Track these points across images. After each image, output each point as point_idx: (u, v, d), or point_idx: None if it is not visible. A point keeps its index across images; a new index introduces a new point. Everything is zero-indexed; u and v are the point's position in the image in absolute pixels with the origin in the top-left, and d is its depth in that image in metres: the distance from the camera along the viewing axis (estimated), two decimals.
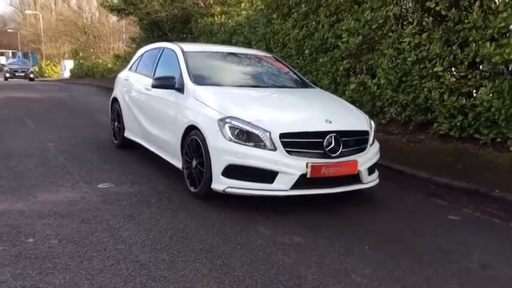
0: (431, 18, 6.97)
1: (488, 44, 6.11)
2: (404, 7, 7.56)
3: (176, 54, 5.48)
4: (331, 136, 4.19)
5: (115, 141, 6.84)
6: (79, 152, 6.63)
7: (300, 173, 4.06)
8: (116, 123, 6.76)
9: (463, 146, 6.64)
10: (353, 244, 3.64)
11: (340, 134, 4.24)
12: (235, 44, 12.56)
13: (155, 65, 5.88)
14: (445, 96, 6.76)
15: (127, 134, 6.43)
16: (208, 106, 4.52)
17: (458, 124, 6.71)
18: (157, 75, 5.30)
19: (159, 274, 3.06)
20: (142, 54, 6.60)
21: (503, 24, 5.99)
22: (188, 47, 5.73)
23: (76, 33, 35.47)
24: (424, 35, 7.02)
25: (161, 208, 4.36)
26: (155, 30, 17.09)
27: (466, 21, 6.45)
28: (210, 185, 4.32)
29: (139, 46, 19.91)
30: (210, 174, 4.30)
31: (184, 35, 15.86)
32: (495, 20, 6.10)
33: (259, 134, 4.10)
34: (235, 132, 4.16)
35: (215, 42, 13.87)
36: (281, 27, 10.31)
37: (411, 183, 5.52)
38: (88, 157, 6.32)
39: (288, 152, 4.08)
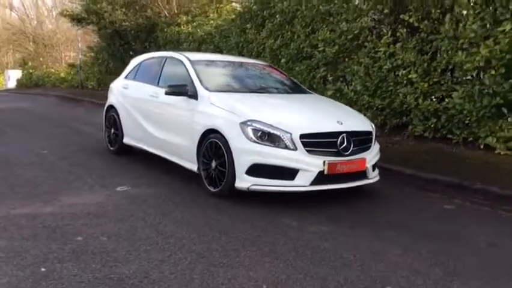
0: (405, 30, 7.60)
1: (460, 52, 6.79)
2: (378, 19, 8.15)
3: (183, 63, 5.79)
4: (343, 136, 4.65)
5: (111, 148, 7.02)
6: (77, 158, 6.77)
7: (318, 170, 4.49)
8: (112, 130, 6.95)
9: (437, 145, 7.28)
10: (374, 231, 4.09)
11: (350, 134, 4.71)
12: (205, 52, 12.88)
13: (159, 74, 6.15)
14: (420, 101, 7.40)
15: (126, 140, 6.64)
16: (226, 111, 4.87)
17: (432, 126, 7.35)
18: (169, 83, 5.56)
19: (217, 261, 3.38)
20: (140, 63, 6.85)
21: (473, 34, 6.68)
22: (193, 56, 6.06)
23: (24, 42, 34.52)
24: (398, 45, 7.65)
25: (188, 206, 4.66)
26: (117, 39, 17.11)
27: (437, 32, 7.11)
28: (233, 183, 4.65)
29: (97, 55, 19.89)
30: (233, 174, 4.64)
31: (149, 44, 15.99)
32: (465, 31, 6.79)
33: (281, 135, 4.50)
34: (258, 134, 4.54)
35: (183, 51, 14.13)
36: (255, 37, 10.74)
37: (401, 179, 6.05)
38: (90, 163, 6.48)
39: (307, 151, 4.49)
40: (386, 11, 7.89)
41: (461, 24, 6.87)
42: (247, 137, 4.56)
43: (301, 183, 4.49)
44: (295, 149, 4.49)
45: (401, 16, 7.59)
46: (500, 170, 6.01)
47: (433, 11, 7.21)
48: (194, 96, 5.32)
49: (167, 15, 15.28)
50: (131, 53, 17.12)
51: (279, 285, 3.04)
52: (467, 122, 6.89)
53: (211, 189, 4.95)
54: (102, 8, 15.42)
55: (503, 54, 6.30)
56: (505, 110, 6.59)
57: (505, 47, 6.26)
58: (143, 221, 4.23)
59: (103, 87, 19.57)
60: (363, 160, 4.77)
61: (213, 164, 4.91)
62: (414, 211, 4.78)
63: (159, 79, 6.12)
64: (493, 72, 6.48)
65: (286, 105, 5.37)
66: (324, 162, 4.50)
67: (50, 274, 3.12)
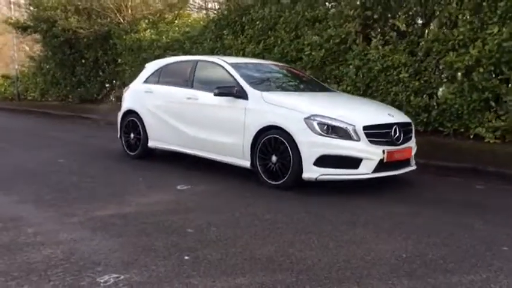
0: (395, 33, 8.32)
1: (450, 53, 7.59)
2: (366, 23, 8.82)
3: (222, 66, 6.07)
4: (395, 127, 5.18)
5: (132, 153, 7.08)
6: (103, 164, 6.82)
7: (379, 159, 4.98)
8: (132, 135, 7.03)
9: (430, 138, 8.03)
10: (434, 210, 4.67)
11: (400, 125, 5.26)
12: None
13: (191, 77, 6.37)
14: (411, 98, 8.13)
15: (152, 143, 6.77)
16: (286, 108, 5.24)
17: (424, 120, 8.11)
18: (208, 85, 5.87)
19: (344, 238, 3.77)
20: (161, 68, 7.00)
21: (461, 37, 7.51)
22: (229, 59, 6.35)
23: None
24: (388, 48, 8.35)
25: (263, 198, 4.98)
26: (66, 48, 16.65)
27: (426, 35, 7.89)
28: (299, 175, 5.02)
29: (41, 65, 19.12)
30: (299, 166, 5.01)
31: (104, 52, 15.75)
32: (451, 34, 7.62)
33: (345, 127, 4.95)
34: (324, 127, 4.95)
35: (145, 59, 14.14)
36: (233, 43, 11.06)
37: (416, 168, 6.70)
38: (121, 167, 6.56)
39: (370, 141, 4.97)
40: (375, 16, 8.56)
41: (444, 28, 7.66)
42: (313, 131, 4.95)
43: (365, 171, 4.95)
44: (358, 139, 4.94)
45: (391, 21, 8.29)
46: (498, 155, 6.82)
47: (421, 16, 7.97)
48: (243, 96, 5.61)
49: (123, 21, 15.16)
50: (83, 61, 16.77)
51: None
52: (459, 114, 7.67)
53: (272, 182, 5.27)
54: (55, 15, 14.98)
55: (492, 53, 7.14)
56: (492, 103, 7.45)
57: (494, 47, 7.10)
58: (238, 212, 4.50)
59: (47, 99, 18.94)
60: (410, 149, 5.33)
61: (273, 158, 5.23)
62: (451, 192, 5.42)
63: (193, 82, 6.31)
64: (481, 70, 7.31)
65: (335, 101, 5.82)
66: (383, 151, 4.99)
67: (199, 261, 3.33)
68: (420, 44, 8.03)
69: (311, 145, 4.96)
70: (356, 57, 8.80)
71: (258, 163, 5.41)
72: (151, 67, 7.24)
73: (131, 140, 7.08)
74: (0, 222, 4.19)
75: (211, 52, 11.78)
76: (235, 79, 5.82)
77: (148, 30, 14.48)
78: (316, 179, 4.98)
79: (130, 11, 15.38)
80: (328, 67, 9.35)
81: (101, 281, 3.07)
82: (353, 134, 4.96)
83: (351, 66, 8.84)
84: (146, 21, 14.77)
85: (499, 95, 7.36)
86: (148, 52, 14.02)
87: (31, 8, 16.15)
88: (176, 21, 14.03)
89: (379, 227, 4.08)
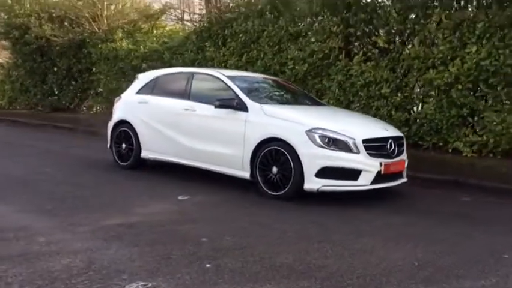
0: (377, 50, 8.67)
1: (431, 70, 7.97)
2: (350, 39, 9.14)
3: (220, 79, 6.22)
4: (391, 141, 5.43)
5: (123, 163, 7.09)
6: (92, 174, 6.81)
7: (376, 171, 5.21)
8: (124, 145, 7.05)
9: (410, 151, 8.32)
10: (428, 221, 4.93)
11: (394, 139, 5.51)
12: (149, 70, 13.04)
13: (188, 89, 6.47)
14: (392, 112, 8.47)
15: (146, 154, 6.81)
16: (287, 120, 5.42)
17: (405, 134, 8.42)
18: (218, 98, 5.93)
19: (355, 247, 3.95)
20: (155, 79, 7.07)
21: (441, 55, 7.90)
22: (226, 72, 6.49)
23: None
24: (370, 64, 8.68)
25: (265, 209, 5.12)
26: (38, 55, 16.38)
27: (407, 52, 8.26)
28: (300, 186, 5.19)
29: (9, 73, 18.69)
30: (300, 177, 5.18)
31: (78, 61, 15.58)
32: (431, 52, 8.01)
33: (346, 140, 5.16)
34: (325, 140, 5.15)
35: (121, 68, 14.14)
36: (215, 55, 11.21)
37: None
38: (112, 177, 6.59)
39: (368, 154, 5.20)
40: (358, 33, 8.89)
41: (424, 47, 8.06)
42: (315, 143, 5.14)
43: (363, 182, 5.17)
44: (358, 152, 5.16)
45: (373, 38, 8.64)
46: (476, 168, 7.20)
47: (402, 34, 8.35)
48: (242, 108, 5.75)
49: (98, 31, 15.07)
50: (55, 69, 16.52)
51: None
52: (438, 129, 8.04)
53: (272, 192, 5.42)
54: (28, 23, 14.75)
55: (470, 71, 7.55)
56: (470, 119, 7.86)
57: (472, 65, 7.52)
58: (245, 222, 4.61)
59: (15, 107, 18.51)
60: (404, 161, 5.59)
61: (274, 169, 5.39)
62: (436, 203, 5.72)
63: (189, 94, 6.42)
64: (459, 87, 7.71)
65: (333, 115, 6.05)
66: (380, 163, 5.23)
67: (221, 269, 3.43)
68: (401, 61, 8.37)
69: (313, 157, 5.14)
70: (339, 72, 9.09)
71: (258, 174, 5.54)
72: (143, 78, 7.29)
73: (122, 150, 7.10)
74: (10, 231, 4.15)
75: (192, 64, 11.87)
76: (234, 92, 5.96)
77: (124, 40, 14.43)
78: (317, 190, 5.16)
79: (105, 20, 15.29)
80: (311, 81, 9.61)
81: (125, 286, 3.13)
82: (352, 146, 5.17)
83: (334, 81, 9.11)
84: (122, 30, 14.71)
85: (476, 111, 7.76)
86: (125, 62, 13.98)
87: (2, 15, 15.82)
88: (154, 32, 14.02)
89: (384, 237, 4.28)
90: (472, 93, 7.78)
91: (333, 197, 5.42)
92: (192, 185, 6.15)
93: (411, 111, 8.54)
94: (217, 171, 6.02)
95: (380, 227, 4.58)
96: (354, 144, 5.17)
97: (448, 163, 7.56)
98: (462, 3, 7.91)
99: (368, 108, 8.80)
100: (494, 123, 7.42)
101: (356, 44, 9.11)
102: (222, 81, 6.18)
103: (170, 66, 12.15)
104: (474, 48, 7.53)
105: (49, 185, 6.07)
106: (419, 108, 8.47)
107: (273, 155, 5.40)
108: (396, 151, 5.49)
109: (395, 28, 8.47)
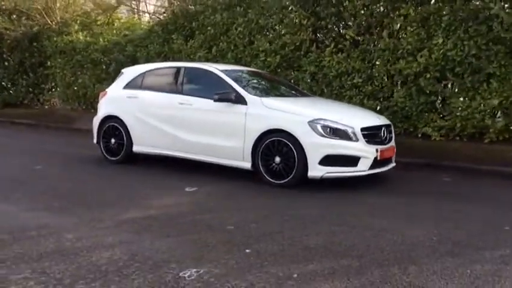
0: (348, 42, 9.08)
1: (401, 61, 8.48)
2: (321, 31, 9.50)
3: (214, 73, 6.41)
4: (384, 128, 5.83)
5: (112, 158, 7.15)
6: (85, 169, 6.86)
7: (373, 157, 5.60)
8: (113, 140, 7.09)
9: None
10: (425, 200, 5.39)
11: (386, 127, 5.92)
12: (110, 62, 12.94)
13: (180, 83, 6.61)
14: (365, 101, 8.93)
15: (138, 148, 6.90)
16: (288, 112, 5.71)
17: None
18: (217, 91, 6.10)
19: (375, 227, 4.30)
20: (142, 74, 7.13)
21: (409, 47, 8.42)
22: (217, 66, 6.69)
23: None
24: (342, 55, 9.09)
25: (275, 197, 5.39)
26: None
27: (377, 44, 8.73)
28: (304, 174, 5.50)
29: None
30: (304, 166, 5.49)
31: (31, 54, 15.08)
32: (400, 43, 8.52)
33: (346, 129, 5.51)
34: (327, 130, 5.48)
35: (78, 61, 13.89)
36: (183, 47, 11.26)
37: None
38: (106, 172, 6.68)
39: (366, 141, 5.58)
40: (329, 26, 9.27)
41: (393, 39, 8.56)
42: (317, 133, 5.46)
43: (362, 168, 5.55)
44: (357, 140, 5.53)
45: (343, 31, 9.04)
46: (446, 151, 7.78)
47: (370, 27, 8.81)
48: (240, 101, 5.97)
49: (51, 23, 14.66)
50: (6, 63, 15.92)
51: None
52: (408, 115, 8.58)
53: (275, 181, 5.71)
54: None
55: (438, 61, 8.11)
56: (437, 105, 8.45)
57: (439, 56, 8.07)
58: (261, 210, 4.87)
59: None
60: (394, 147, 6.01)
61: (277, 159, 5.66)
62: (419, 184, 6.20)
63: (182, 88, 6.55)
64: (427, 76, 8.26)
65: (328, 106, 6.38)
66: (376, 150, 5.62)
67: (262, 253, 3.68)
68: (372, 52, 8.82)
69: (316, 146, 5.45)
70: (311, 63, 9.43)
71: (260, 164, 5.79)
72: (130, 73, 7.33)
73: (111, 145, 7.13)
74: (31, 230, 4.15)
75: (158, 56, 11.86)
76: (230, 85, 6.16)
77: (81, 33, 14.14)
78: (321, 177, 5.48)
79: (58, 12, 14.88)
80: (283, 72, 9.90)
81: (185, 275, 3.29)
82: (352, 135, 5.53)
83: (306, 72, 9.45)
84: (78, 23, 14.39)
85: (444, 98, 8.35)
86: (82, 55, 13.71)
87: None
88: (115, 24, 13.83)
89: (395, 217, 4.68)
90: (439, 81, 8.31)
91: (330, 183, 5.75)
92: (192, 177, 6.32)
93: (381, 100, 9.00)
94: (217, 163, 6.22)
95: (387, 208, 4.97)
96: (353, 132, 5.52)
97: (420, 147, 8.11)
98: None
99: (340, 98, 9.20)
100: (460, 108, 8.01)
101: (327, 36, 9.44)
102: (217, 75, 6.36)
103: (134, 59, 12.13)
104: (440, 40, 8.07)
105: (47, 182, 6.06)
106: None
107: (276, 146, 5.66)
108: (387, 138, 5.89)
109: (363, 22, 8.87)
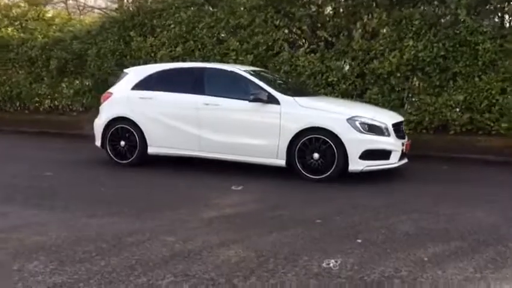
0: (322, 43, 9.61)
1: (374, 61, 9.19)
2: (294, 32, 9.91)
3: (240, 74, 6.61)
4: (403, 124, 6.41)
5: (122, 161, 6.99)
6: (100, 173, 6.64)
7: (401, 150, 6.15)
8: (123, 143, 6.94)
9: None
10: (453, 186, 6.08)
11: (404, 123, 6.51)
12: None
13: (201, 84, 6.65)
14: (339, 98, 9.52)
15: (154, 150, 6.82)
16: (326, 111, 6.07)
17: None
18: (252, 92, 6.26)
19: (441, 214, 4.82)
20: (152, 75, 7.05)
21: (381, 48, 9.16)
22: (241, 67, 6.85)
23: None
24: (316, 55, 9.59)
25: (325, 192, 5.70)
26: None
27: (351, 45, 9.36)
28: (343, 169, 5.90)
29: None
30: (344, 161, 5.88)
31: None
32: (372, 45, 9.23)
33: (381, 126, 6.00)
34: (365, 126, 5.92)
35: (12, 60, 12.99)
36: (143, 45, 11.04)
37: None
38: (129, 175, 6.52)
39: (396, 136, 6.12)
40: (304, 27, 9.72)
41: (365, 40, 9.26)
42: (356, 130, 5.88)
43: (394, 161, 6.09)
44: (389, 135, 6.05)
45: (318, 32, 9.56)
46: (418, 142, 8.55)
47: (346, 28, 9.42)
48: (272, 101, 6.20)
49: None
50: None
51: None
52: None
53: (313, 176, 6.04)
54: None
55: (409, 61, 8.94)
56: (405, 101, 9.29)
57: (411, 56, 8.90)
58: (331, 203, 5.19)
59: None
60: (409, 142, 6.60)
61: (315, 155, 6.00)
62: (436, 172, 6.87)
63: (204, 89, 6.60)
64: (398, 74, 9.07)
65: (354, 104, 6.84)
66: (402, 143, 6.18)
67: (370, 242, 3.97)
68: (346, 53, 9.42)
69: (356, 142, 5.86)
70: (285, 63, 9.79)
71: (297, 161, 6.06)
72: (136, 73, 7.17)
73: (120, 148, 6.94)
74: (125, 236, 4.07)
75: (112, 54, 11.49)
76: (259, 86, 6.35)
77: (11, 28, 13.17)
78: (361, 170, 5.91)
79: None
80: None
81: (329, 265, 3.49)
82: (385, 131, 6.02)
83: (281, 71, 9.80)
84: (7, 17, 13.37)
85: (411, 95, 9.21)
86: (17, 52, 12.79)
87: None
88: (56, 20, 13.06)
89: (453, 202, 5.23)
90: (408, 80, 9.13)
91: (354, 177, 6.17)
92: (225, 176, 6.42)
93: (354, 97, 9.64)
94: (247, 162, 6.37)
95: (435, 195, 5.55)
96: (386, 128, 6.03)
97: None
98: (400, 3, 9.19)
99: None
100: (429, 104, 8.89)
101: (301, 36, 9.86)
102: (242, 76, 6.54)
103: (84, 55, 11.61)
104: (411, 42, 8.88)
105: (79, 188, 5.85)
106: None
107: (313, 143, 5.97)
108: (405, 133, 6.48)
109: (339, 22, 9.44)
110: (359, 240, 4.07)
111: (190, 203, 5.17)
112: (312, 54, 9.62)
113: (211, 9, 10.40)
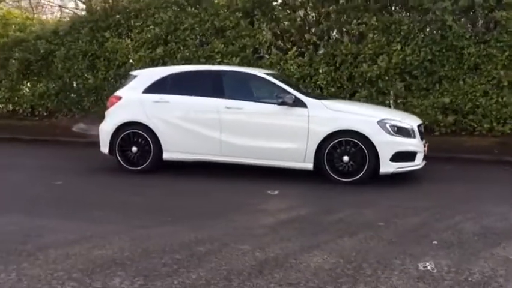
0: (311, 46, 9.67)
1: (364, 64, 9.38)
2: (284, 35, 9.90)
3: (262, 77, 6.50)
4: (422, 126, 6.58)
5: (134, 168, 6.62)
6: (113, 181, 6.29)
7: (423, 151, 6.30)
8: (135, 149, 6.61)
9: None
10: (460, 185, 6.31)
11: (422, 125, 6.68)
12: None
13: (220, 87, 6.45)
14: None
15: (169, 155, 6.53)
16: (355, 113, 6.10)
17: None
18: (280, 95, 6.14)
19: (476, 212, 5.00)
20: (167, 77, 6.78)
21: (371, 51, 9.37)
22: (261, 71, 6.71)
23: None
24: (305, 59, 9.65)
25: (366, 194, 5.69)
26: None
27: (340, 49, 9.50)
28: (374, 171, 5.96)
29: None
30: (375, 163, 5.94)
31: None
32: (360, 49, 9.43)
33: (408, 128, 6.11)
34: (394, 129, 6.01)
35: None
36: (119, 46, 10.59)
37: None
38: (153, 183, 6.22)
39: (421, 138, 6.26)
40: (292, 30, 9.74)
41: (354, 44, 9.44)
42: (387, 132, 5.95)
43: (418, 162, 6.20)
44: (414, 137, 6.16)
45: (306, 35, 9.63)
46: None
47: (335, 32, 9.56)
48: (299, 104, 6.14)
49: None
50: None
51: None
52: None
53: (344, 179, 6.03)
54: None
55: (398, 65, 9.21)
56: (391, 104, 9.56)
57: (399, 60, 9.18)
58: (378, 206, 5.22)
59: None
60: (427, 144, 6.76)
61: (345, 158, 6.01)
62: (444, 171, 7.10)
63: (224, 92, 6.43)
64: (386, 78, 9.33)
65: (372, 107, 6.87)
66: (424, 145, 6.33)
67: (448, 242, 4.06)
68: (336, 56, 9.55)
69: (387, 144, 5.92)
70: (273, 65, 9.77)
71: (326, 164, 6.04)
72: (147, 76, 6.83)
73: (132, 154, 6.60)
74: (197, 246, 3.89)
75: (84, 55, 10.96)
76: (284, 89, 6.25)
77: None
78: (392, 172, 5.98)
79: None
80: None
81: (428, 267, 3.48)
82: (411, 133, 6.13)
83: None
84: None
85: (400, 97, 9.49)
86: None
87: None
88: (17, 19, 12.22)
89: (489, 202, 5.36)
90: (396, 82, 9.40)
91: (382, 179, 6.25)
92: (254, 180, 6.29)
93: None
94: (272, 166, 6.27)
95: (471, 194, 5.71)
96: (413, 130, 6.14)
97: None
98: (389, 9, 9.44)
99: None
100: (415, 106, 9.20)
101: (289, 39, 9.88)
102: (265, 79, 6.44)
103: (50, 57, 11.00)
104: (399, 46, 9.16)
105: (107, 198, 5.51)
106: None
107: (343, 146, 5.97)
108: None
109: (327, 26, 9.55)
110: (435, 242, 4.09)
111: (235, 210, 5.00)
112: (301, 58, 9.65)
113: (194, 10, 10.08)
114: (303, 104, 6.16)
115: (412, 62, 9.11)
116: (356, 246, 3.95)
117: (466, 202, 5.38)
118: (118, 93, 6.92)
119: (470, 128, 9.11)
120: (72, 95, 11.22)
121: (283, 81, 6.56)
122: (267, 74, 6.65)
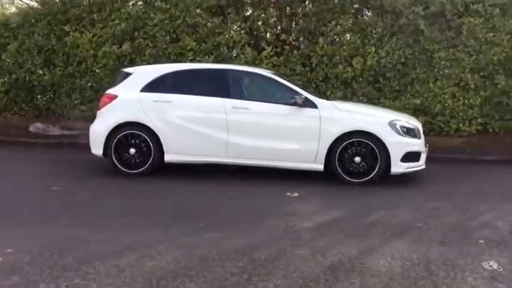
0: (287, 46, 9.63)
1: (339, 65, 9.49)
2: (258, 34, 9.76)
3: (272, 77, 6.34)
4: (420, 128, 6.74)
5: (131, 171, 6.21)
6: (118, 185, 5.87)
7: (425, 151, 6.46)
8: (133, 151, 6.20)
9: None
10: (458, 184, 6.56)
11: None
12: None
13: (226, 86, 6.21)
14: None
15: (171, 157, 6.19)
16: (366, 114, 6.12)
17: None
18: (290, 95, 6.03)
19: (491, 208, 5.21)
20: (167, 75, 6.44)
21: (346, 53, 9.50)
22: (266, 70, 6.52)
23: None
24: (281, 58, 9.60)
25: (383, 194, 5.74)
26: None
27: (314, 50, 9.54)
28: (385, 171, 6.01)
29: None
30: (386, 163, 6.00)
31: None
32: (336, 50, 9.54)
33: (415, 129, 6.22)
34: (404, 130, 6.10)
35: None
36: (80, 41, 9.93)
37: None
38: (168, 187, 5.86)
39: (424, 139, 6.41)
40: (268, 30, 9.63)
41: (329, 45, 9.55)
42: (397, 133, 6.02)
43: (422, 162, 6.33)
44: (420, 137, 6.29)
45: (282, 36, 9.59)
46: None
47: (311, 33, 9.60)
48: (309, 105, 6.07)
49: None
50: None
51: None
52: None
53: (355, 180, 6.04)
54: None
55: (372, 67, 9.41)
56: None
57: (374, 62, 9.38)
58: (399, 206, 5.30)
59: None
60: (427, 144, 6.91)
61: (357, 159, 6.02)
62: (435, 172, 7.29)
63: (230, 92, 6.20)
64: (360, 79, 9.50)
65: (377, 108, 6.95)
66: (426, 145, 6.49)
67: (494, 241, 4.13)
68: (312, 57, 9.57)
69: (398, 144, 5.98)
70: (248, 64, 9.59)
71: (337, 165, 6.01)
72: (144, 74, 6.39)
73: (129, 157, 6.18)
74: (252, 253, 3.74)
75: (40, 50, 10.18)
76: (293, 90, 6.14)
77: None
78: (402, 172, 6.06)
79: None
80: None
81: (493, 267, 3.55)
82: (417, 133, 6.25)
83: None
84: None
85: (374, 99, 9.70)
86: None
87: None
88: None
89: (489, 199, 5.59)
90: (369, 84, 9.59)
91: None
92: (266, 182, 6.15)
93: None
94: (281, 167, 6.14)
95: (482, 193, 5.94)
96: (418, 130, 6.26)
97: None
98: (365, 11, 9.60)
99: None
100: (387, 107, 9.44)
101: (264, 38, 9.76)
102: (275, 79, 6.31)
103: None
104: (373, 49, 9.36)
105: (126, 203, 5.14)
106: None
107: (355, 146, 5.97)
108: None
109: (303, 27, 9.55)
110: (481, 241, 4.18)
111: (265, 213, 4.83)
112: (276, 58, 9.56)
113: (163, 5, 9.66)
114: (313, 105, 6.08)
115: (386, 65, 9.32)
116: (411, 248, 3.94)
117: (482, 201, 5.53)
118: (111, 91, 6.44)
119: (438, 129, 9.46)
120: (23, 92, 10.34)
121: (292, 82, 6.44)
122: (273, 73, 6.50)
